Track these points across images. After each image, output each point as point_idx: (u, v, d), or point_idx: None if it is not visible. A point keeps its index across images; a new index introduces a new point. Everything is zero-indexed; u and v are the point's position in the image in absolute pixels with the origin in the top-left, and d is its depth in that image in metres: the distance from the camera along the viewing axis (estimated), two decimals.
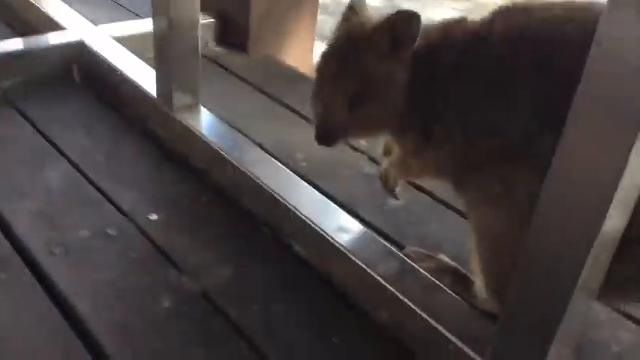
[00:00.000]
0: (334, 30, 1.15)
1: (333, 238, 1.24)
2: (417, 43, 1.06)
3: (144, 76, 1.78)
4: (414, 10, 1.02)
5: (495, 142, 1.01)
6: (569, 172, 0.80)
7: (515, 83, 0.98)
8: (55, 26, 2.04)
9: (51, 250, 1.25)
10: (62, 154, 1.56)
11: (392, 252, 1.22)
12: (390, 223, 1.44)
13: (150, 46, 2.01)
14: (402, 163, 1.18)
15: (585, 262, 0.83)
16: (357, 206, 1.47)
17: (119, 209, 1.40)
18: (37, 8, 2.17)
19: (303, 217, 1.31)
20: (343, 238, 1.24)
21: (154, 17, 1.60)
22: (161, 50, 1.63)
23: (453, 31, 1.06)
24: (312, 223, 1.29)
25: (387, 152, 1.29)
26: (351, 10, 1.14)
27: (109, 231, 1.33)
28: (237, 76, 2.09)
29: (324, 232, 1.26)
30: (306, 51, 2.37)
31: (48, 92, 1.84)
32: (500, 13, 1.05)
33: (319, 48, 2.46)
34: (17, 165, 1.51)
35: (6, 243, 1.26)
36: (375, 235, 1.28)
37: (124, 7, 2.54)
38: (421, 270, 1.18)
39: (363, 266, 1.17)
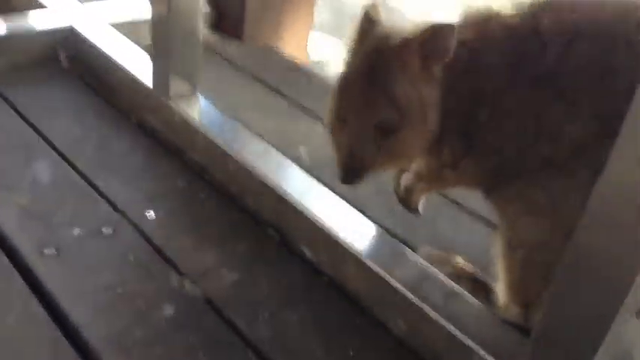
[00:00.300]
0: (351, 44, 1.02)
1: (345, 241, 1.17)
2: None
3: (137, 61, 1.69)
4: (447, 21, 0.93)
5: (547, 151, 0.93)
6: (620, 185, 0.74)
7: (575, 88, 0.91)
8: (37, 4, 1.92)
9: (42, 250, 1.16)
10: (51, 144, 1.47)
11: (409, 256, 1.15)
12: (400, 223, 1.37)
13: (144, 31, 1.93)
14: (436, 176, 1.09)
15: (634, 282, 0.77)
16: (364, 204, 1.39)
17: (113, 206, 1.31)
18: None
19: (312, 217, 1.23)
20: (356, 241, 1.17)
21: (152, 1, 1.50)
22: (159, 35, 1.54)
23: (490, 28, 0.97)
24: (323, 224, 1.21)
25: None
26: (369, 20, 1.00)
27: (104, 229, 1.24)
28: (232, 64, 2.00)
29: (336, 234, 1.19)
30: (302, 40, 2.29)
31: (34, 77, 1.73)
32: (544, 8, 0.96)
33: (320, 44, 2.40)
34: (3, 156, 1.41)
35: None
36: (390, 237, 1.21)
37: None
38: (441, 275, 1.11)
39: (379, 271, 1.10)
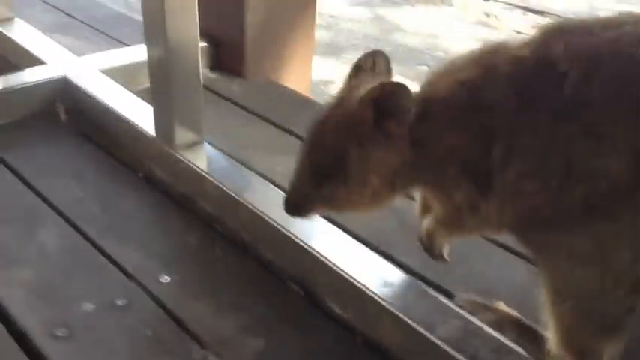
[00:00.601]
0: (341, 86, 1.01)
1: (376, 294, 1.09)
2: (448, 89, 0.91)
3: (138, 111, 1.62)
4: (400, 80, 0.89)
5: (581, 192, 0.85)
6: None
7: (602, 120, 0.83)
8: (35, 61, 1.86)
9: (53, 332, 1.08)
10: (54, 208, 1.39)
11: (449, 308, 1.06)
12: (430, 265, 1.27)
13: (140, 77, 1.86)
14: (455, 221, 1.00)
15: None
16: (389, 246, 1.32)
17: (125, 272, 1.23)
18: (12, 40, 1.99)
19: (336, 268, 1.15)
20: (388, 294, 1.09)
21: (148, 45, 1.44)
22: (158, 82, 1.47)
23: (495, 64, 0.89)
24: (349, 275, 1.13)
25: (425, 210, 1.11)
26: (357, 68, 0.99)
27: (117, 301, 1.15)
28: (235, 103, 1.93)
29: (365, 287, 1.10)
30: (305, 71, 2.22)
31: (30, 134, 1.66)
32: (554, 34, 0.89)
33: (318, 65, 2.34)
34: (4, 226, 1.33)
35: None
36: (424, 286, 1.12)
37: (108, 35, 2.36)
38: (486, 327, 1.02)
39: (420, 329, 1.01)
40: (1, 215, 1.36)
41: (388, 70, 1.01)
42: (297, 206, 0.99)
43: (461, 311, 1.05)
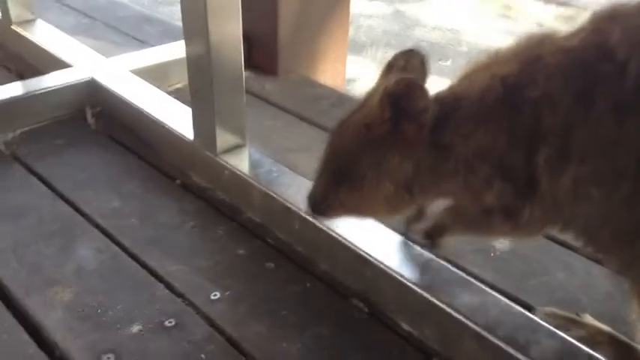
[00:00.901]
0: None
1: (455, 311, 0.98)
2: (483, 84, 0.83)
3: (174, 114, 1.52)
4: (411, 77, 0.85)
5: None
6: None
7: None
8: (60, 63, 1.77)
9: (99, 357, 0.98)
10: (90, 221, 1.29)
11: (539, 325, 0.95)
12: (504, 275, 1.17)
13: (171, 78, 1.78)
14: (481, 225, 0.92)
15: None
16: (458, 257, 1.20)
17: (171, 289, 1.13)
18: (35, 43, 1.89)
19: (406, 282, 1.04)
20: (467, 310, 0.98)
21: (188, 41, 1.33)
22: (198, 82, 1.36)
23: (538, 55, 0.80)
24: (421, 290, 1.02)
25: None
26: (389, 68, 0.94)
27: (166, 321, 1.05)
28: (271, 103, 1.83)
29: (441, 301, 0.99)
30: (340, 67, 2.11)
31: (61, 143, 1.56)
32: (607, 20, 0.79)
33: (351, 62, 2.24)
34: (39, 243, 1.23)
35: (39, 354, 0.98)
36: (506, 300, 1.01)
37: (131, 36, 2.27)
38: (586, 348, 0.91)
39: (510, 350, 0.90)
40: (35, 231, 1.26)
41: (423, 70, 0.94)
42: (316, 205, 0.96)
43: (553, 328, 0.94)
